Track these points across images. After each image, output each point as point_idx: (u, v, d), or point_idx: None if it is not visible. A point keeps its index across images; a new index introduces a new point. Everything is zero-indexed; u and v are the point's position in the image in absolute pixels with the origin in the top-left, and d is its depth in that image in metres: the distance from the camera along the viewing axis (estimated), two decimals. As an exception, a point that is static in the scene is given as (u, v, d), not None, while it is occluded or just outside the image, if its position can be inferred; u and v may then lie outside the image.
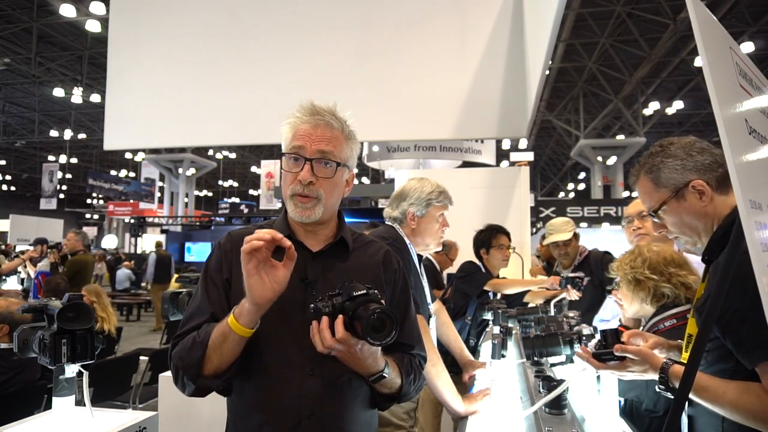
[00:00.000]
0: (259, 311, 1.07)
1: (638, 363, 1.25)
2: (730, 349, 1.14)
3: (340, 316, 1.02)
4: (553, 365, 2.16)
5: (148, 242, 22.11)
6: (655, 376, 1.24)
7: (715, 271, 1.18)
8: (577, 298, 3.19)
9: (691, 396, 1.16)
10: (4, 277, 6.27)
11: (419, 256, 2.15)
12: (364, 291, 1.04)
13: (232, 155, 24.94)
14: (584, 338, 1.83)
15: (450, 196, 2.17)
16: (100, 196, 24.88)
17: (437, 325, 2.35)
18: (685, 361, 1.24)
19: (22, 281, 6.67)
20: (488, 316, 3.12)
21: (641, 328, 1.99)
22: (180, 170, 22.59)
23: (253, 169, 27.07)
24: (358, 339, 1.03)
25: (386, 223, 2.16)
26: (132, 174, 26.65)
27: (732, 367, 1.16)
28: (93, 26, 11.74)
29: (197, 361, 1.12)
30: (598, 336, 1.36)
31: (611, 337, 1.33)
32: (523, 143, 18.50)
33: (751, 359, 1.09)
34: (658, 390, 1.23)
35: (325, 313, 1.03)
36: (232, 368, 1.14)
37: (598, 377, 1.72)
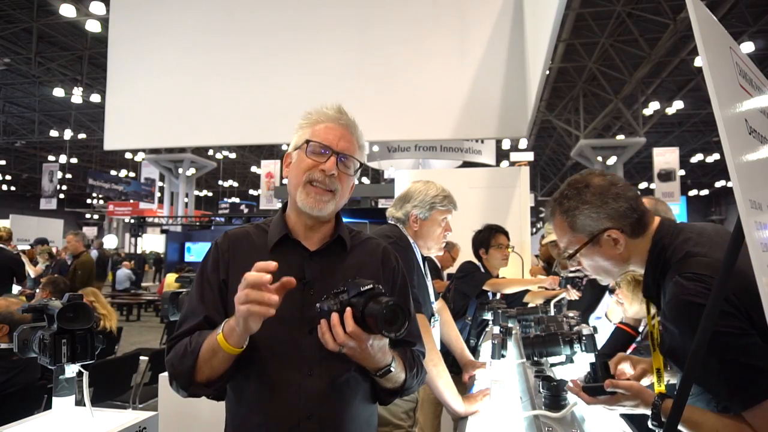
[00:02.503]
0: (248, 334, 1.07)
1: (630, 398, 1.25)
2: None
3: (349, 309, 1.03)
4: (553, 365, 2.16)
5: (149, 242, 22.13)
6: (647, 411, 1.23)
7: (664, 313, 1.18)
8: (577, 298, 3.19)
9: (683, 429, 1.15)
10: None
11: (423, 256, 2.16)
12: (371, 286, 1.04)
13: (232, 155, 24.93)
14: (584, 338, 1.83)
15: (455, 201, 2.18)
16: (100, 196, 24.88)
17: (439, 323, 2.35)
18: (657, 393, 1.25)
19: (24, 279, 6.70)
20: (488, 316, 3.12)
21: (641, 328, 1.99)
22: (180, 170, 22.56)
23: (253, 169, 27.05)
24: (369, 334, 1.03)
25: (390, 222, 2.17)
26: (132, 174, 26.64)
27: (723, 406, 1.14)
28: (93, 26, 11.73)
29: (188, 370, 1.12)
30: (588, 369, 1.36)
31: (601, 369, 1.33)
32: (523, 143, 18.50)
33: (733, 408, 1.07)
34: (651, 426, 1.22)
35: (334, 310, 1.04)
36: (225, 377, 1.14)
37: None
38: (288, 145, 1.34)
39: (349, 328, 1.02)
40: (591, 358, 2.00)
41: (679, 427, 1.15)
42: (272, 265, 1.01)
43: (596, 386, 1.29)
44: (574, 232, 1.31)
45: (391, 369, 1.15)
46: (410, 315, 1.02)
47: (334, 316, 1.03)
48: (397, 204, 2.17)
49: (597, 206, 1.28)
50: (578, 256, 1.33)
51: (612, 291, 2.13)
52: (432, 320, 2.14)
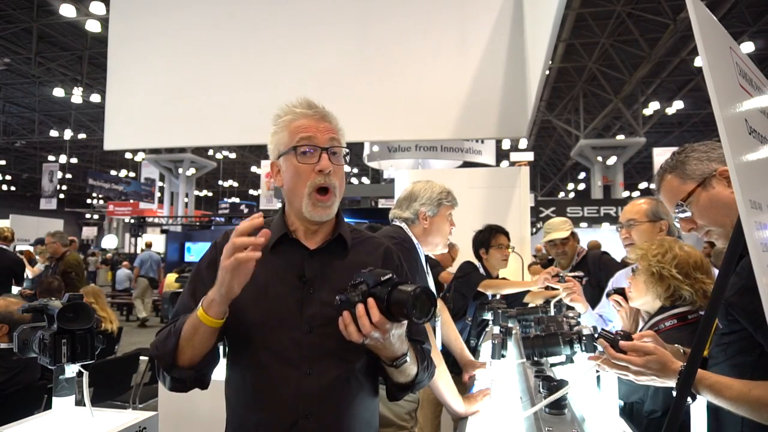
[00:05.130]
0: (228, 301, 1.07)
1: (653, 363, 1.21)
2: (752, 342, 1.12)
3: (371, 299, 1.02)
4: (553, 365, 2.16)
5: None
6: (672, 383, 1.19)
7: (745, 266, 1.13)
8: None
9: (712, 399, 1.13)
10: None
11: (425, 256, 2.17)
12: (390, 275, 1.04)
13: (232, 155, 24.94)
14: (584, 338, 1.83)
15: (455, 197, 2.23)
16: (100, 196, 24.89)
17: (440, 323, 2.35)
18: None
19: (23, 281, 6.69)
20: (488, 316, 3.12)
21: (641, 327, 1.98)
22: (180, 170, 22.58)
23: (253, 169, 27.07)
24: (393, 322, 1.03)
25: (394, 223, 2.16)
26: (132, 174, 26.65)
27: (753, 361, 1.13)
28: (93, 26, 11.74)
29: (171, 350, 1.12)
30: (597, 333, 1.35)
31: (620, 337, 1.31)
32: (523, 143, 18.51)
33: None
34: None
35: (356, 302, 1.03)
36: (207, 359, 1.14)
37: (598, 377, 1.71)
38: None
39: (375, 317, 1.01)
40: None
41: (706, 395, 1.14)
42: (257, 221, 1.04)
43: (616, 341, 1.26)
44: (684, 180, 1.30)
45: (407, 358, 1.14)
46: (436, 301, 1.02)
47: (360, 308, 1.02)
48: (403, 204, 2.18)
49: (705, 152, 1.29)
50: (689, 207, 1.29)
51: (609, 295, 2.13)
52: (434, 320, 2.15)
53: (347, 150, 1.26)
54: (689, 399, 1.17)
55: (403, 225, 2.12)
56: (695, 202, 1.29)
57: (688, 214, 1.30)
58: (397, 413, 1.93)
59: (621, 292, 1.99)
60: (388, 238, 1.95)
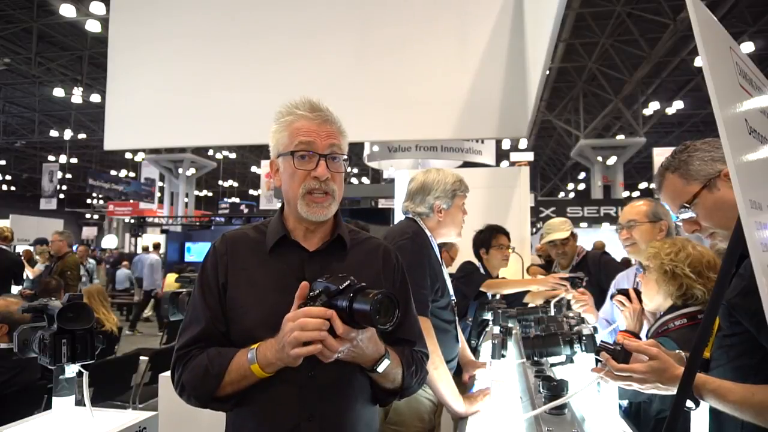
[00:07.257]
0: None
1: (656, 370, 1.20)
2: (754, 344, 1.11)
3: (332, 312, 1.01)
4: (553, 365, 2.16)
5: (148, 242, 22.12)
6: (675, 390, 1.18)
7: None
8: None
9: (715, 404, 1.12)
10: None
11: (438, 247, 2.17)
12: (349, 281, 1.03)
13: (232, 155, 24.92)
14: (584, 338, 1.82)
15: (467, 184, 2.21)
16: (100, 196, 24.87)
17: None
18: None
19: (22, 282, 6.69)
20: (488, 316, 3.12)
21: (646, 332, 1.98)
22: (180, 170, 22.57)
23: (253, 169, 27.07)
24: (358, 330, 1.03)
25: (407, 216, 2.15)
26: (132, 174, 26.63)
27: (756, 363, 1.12)
28: (93, 26, 11.73)
29: (212, 391, 1.14)
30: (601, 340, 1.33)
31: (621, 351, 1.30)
32: (523, 143, 18.50)
33: None
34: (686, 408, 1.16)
35: None
36: (245, 392, 1.16)
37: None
38: None
39: (339, 330, 1.01)
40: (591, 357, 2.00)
41: (709, 399, 1.14)
42: (329, 313, 1.02)
43: (618, 352, 1.24)
44: (688, 181, 1.27)
45: (387, 359, 1.14)
46: (399, 304, 1.01)
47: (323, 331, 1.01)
48: (416, 197, 2.13)
49: (708, 151, 1.26)
50: (694, 208, 1.26)
51: (613, 296, 2.13)
52: (454, 310, 2.15)
53: (346, 157, 1.25)
54: (693, 405, 1.16)
55: (417, 219, 2.11)
56: (701, 204, 1.26)
57: (692, 215, 1.29)
58: (417, 411, 1.94)
59: (624, 292, 2.00)
60: (400, 233, 1.95)
